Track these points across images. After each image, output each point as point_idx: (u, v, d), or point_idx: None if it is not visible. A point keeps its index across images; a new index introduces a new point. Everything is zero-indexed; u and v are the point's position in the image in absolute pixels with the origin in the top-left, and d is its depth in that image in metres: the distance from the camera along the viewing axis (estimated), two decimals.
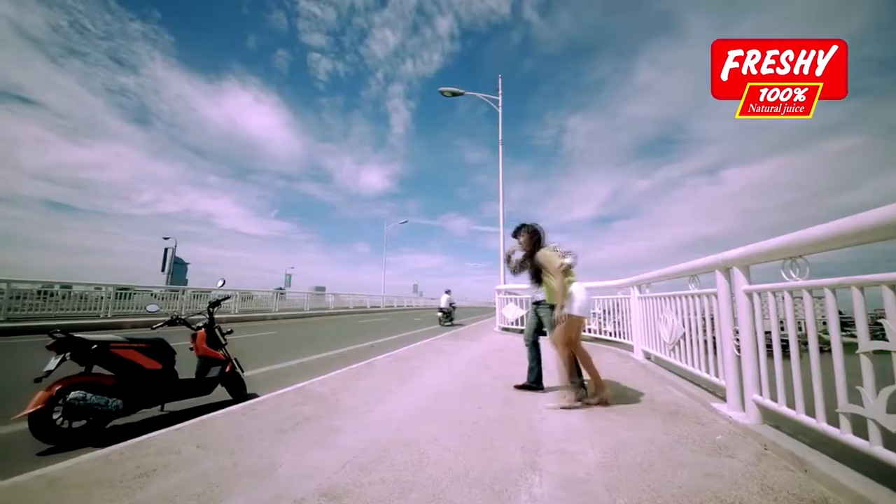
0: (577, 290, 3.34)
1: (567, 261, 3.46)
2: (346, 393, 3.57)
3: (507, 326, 10.23)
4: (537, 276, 3.60)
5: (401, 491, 1.81)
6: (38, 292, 12.03)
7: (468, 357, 5.78)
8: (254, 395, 3.67)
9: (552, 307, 3.39)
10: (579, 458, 2.17)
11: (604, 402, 3.23)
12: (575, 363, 3.38)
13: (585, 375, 3.42)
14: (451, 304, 15.51)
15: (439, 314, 15.40)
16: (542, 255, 3.47)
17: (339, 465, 2.08)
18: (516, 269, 3.86)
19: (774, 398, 2.32)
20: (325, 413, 2.98)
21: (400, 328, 13.42)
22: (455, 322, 15.72)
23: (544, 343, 3.78)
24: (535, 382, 3.78)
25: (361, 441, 2.41)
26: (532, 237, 3.65)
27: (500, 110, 13.85)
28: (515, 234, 3.81)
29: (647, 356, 5.30)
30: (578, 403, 3.22)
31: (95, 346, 2.90)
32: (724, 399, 2.98)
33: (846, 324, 2.08)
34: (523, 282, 3.81)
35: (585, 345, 3.66)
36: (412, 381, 4.05)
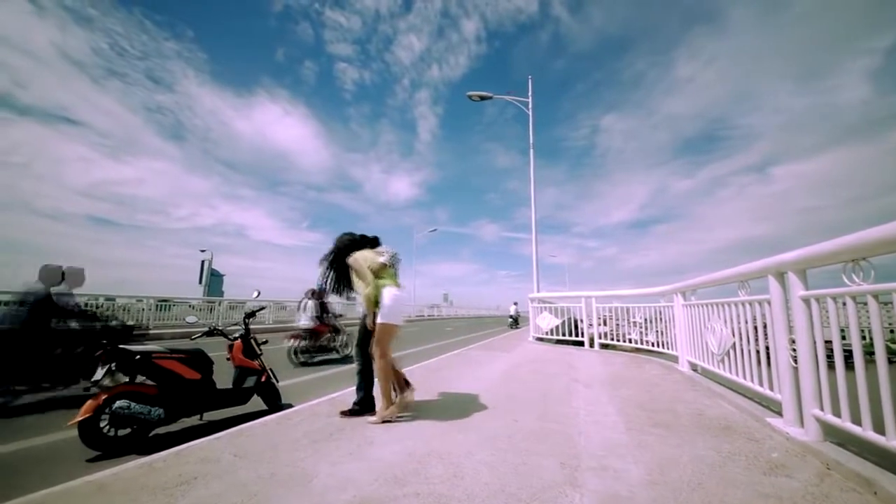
0: (387, 293, 3.10)
1: (382, 259, 3.21)
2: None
3: (541, 336, 10.03)
4: (349, 282, 3.35)
5: None
6: (84, 304, 12.70)
7: (501, 368, 5.68)
8: (288, 405, 3.71)
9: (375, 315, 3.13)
10: (622, 475, 2.06)
11: (387, 418, 3.03)
12: (394, 376, 3.18)
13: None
14: (517, 313, 20.58)
15: (509, 320, 21.05)
16: (353, 257, 3.20)
17: (373, 476, 2.05)
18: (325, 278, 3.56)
19: (837, 413, 2.14)
20: (358, 424, 2.97)
21: (431, 338, 13.40)
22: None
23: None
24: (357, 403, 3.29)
25: (395, 453, 2.38)
26: (343, 245, 3.41)
27: (530, 113, 13.31)
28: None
29: (694, 367, 5.05)
30: (394, 416, 3.06)
31: (139, 356, 3.01)
32: (779, 414, 2.78)
33: None
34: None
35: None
36: (445, 393, 4.00)
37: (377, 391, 3.18)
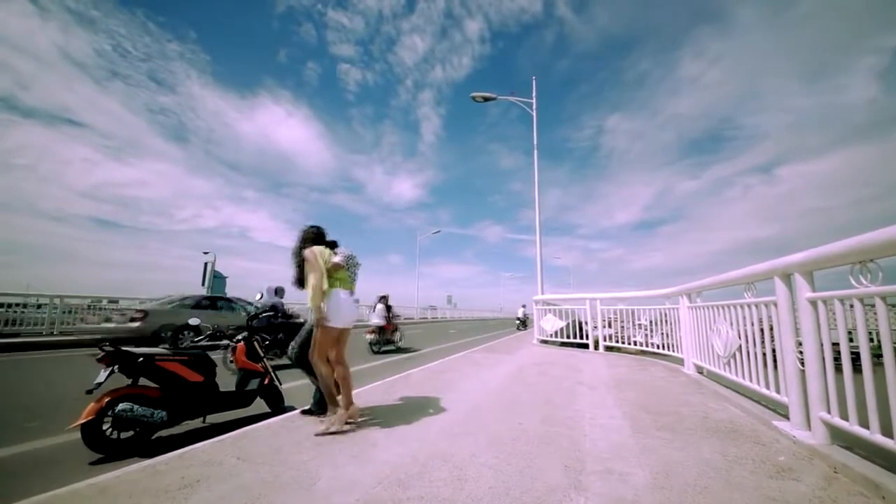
0: (337, 294, 3.01)
1: (336, 259, 3.08)
2: (382, 406, 3.55)
3: (546, 339, 9.99)
4: (301, 278, 3.20)
5: None
6: (88, 307, 12.68)
7: (505, 371, 5.66)
8: (291, 408, 3.70)
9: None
10: (627, 479, 2.05)
11: (349, 421, 2.93)
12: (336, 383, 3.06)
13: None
14: (525, 315, 21.51)
15: (517, 321, 22.33)
16: (309, 251, 3.05)
17: (376, 479, 2.04)
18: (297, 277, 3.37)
19: (845, 416, 2.12)
20: (361, 426, 2.96)
21: (435, 340, 13.40)
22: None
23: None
24: (315, 406, 3.32)
25: (398, 455, 2.37)
26: (306, 237, 3.31)
27: (534, 114, 13.10)
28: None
29: (700, 370, 5.03)
30: (346, 427, 2.88)
31: (142, 358, 3.01)
32: (786, 417, 2.76)
33: None
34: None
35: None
36: (449, 395, 3.99)
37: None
